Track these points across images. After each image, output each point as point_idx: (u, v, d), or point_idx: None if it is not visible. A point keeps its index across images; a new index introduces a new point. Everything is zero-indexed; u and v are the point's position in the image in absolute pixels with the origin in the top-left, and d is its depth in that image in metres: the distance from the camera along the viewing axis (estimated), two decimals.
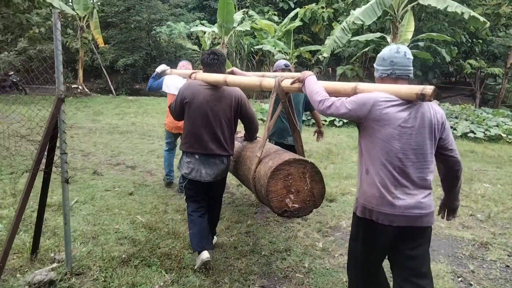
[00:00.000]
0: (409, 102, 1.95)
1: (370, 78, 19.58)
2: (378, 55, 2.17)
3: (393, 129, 1.93)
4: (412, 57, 2.11)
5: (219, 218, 3.57)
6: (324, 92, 2.19)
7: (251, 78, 3.15)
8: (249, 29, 15.69)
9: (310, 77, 2.36)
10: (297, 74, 2.56)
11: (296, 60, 16.42)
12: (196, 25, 17.93)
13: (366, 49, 14.90)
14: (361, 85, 2.14)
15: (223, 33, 14.24)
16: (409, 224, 1.99)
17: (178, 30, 18.02)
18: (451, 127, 9.85)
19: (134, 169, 5.98)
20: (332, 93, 2.20)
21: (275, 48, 14.37)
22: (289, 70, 4.03)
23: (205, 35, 19.11)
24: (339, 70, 17.13)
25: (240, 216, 4.20)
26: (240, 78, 3.13)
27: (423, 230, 2.06)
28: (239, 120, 3.26)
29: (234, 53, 18.26)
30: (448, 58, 14.59)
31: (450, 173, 2.17)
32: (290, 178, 2.58)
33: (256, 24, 15.76)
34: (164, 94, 5.07)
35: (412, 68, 2.09)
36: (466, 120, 10.24)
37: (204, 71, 3.25)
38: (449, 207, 2.35)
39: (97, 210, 4.23)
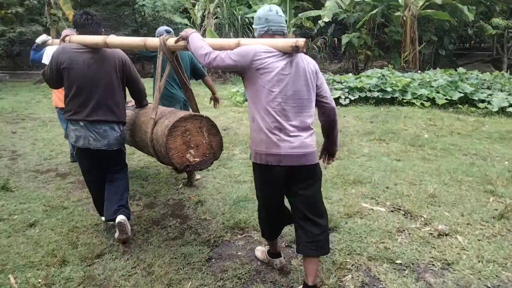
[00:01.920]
0: (285, 53, 2.14)
1: (381, 48, 17.65)
2: (254, 16, 2.32)
3: (273, 76, 2.10)
4: (283, 15, 2.29)
5: (127, 189, 3.13)
6: (208, 46, 2.27)
7: (134, 38, 2.96)
8: None
9: (193, 34, 2.42)
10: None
11: (295, 29, 14.46)
12: None
13: (373, 12, 12.89)
14: (244, 40, 2.27)
15: (208, 1, 12.33)
16: (295, 163, 2.15)
17: (162, 2, 16.08)
18: (483, 100, 8.03)
19: (64, 178, 4.38)
20: (218, 49, 2.26)
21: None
22: (172, 36, 3.59)
23: (195, 7, 17.28)
24: (345, 39, 15.14)
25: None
26: (122, 38, 2.96)
27: (309, 168, 2.22)
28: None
29: (226, 26, 16.36)
30: (470, 17, 12.53)
31: (327, 118, 2.36)
32: (188, 133, 2.66)
33: None
34: None
35: (285, 24, 2.30)
36: (501, 91, 8.35)
37: (78, 34, 2.96)
38: (328, 152, 2.57)
39: None
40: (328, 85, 8.81)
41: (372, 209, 3.42)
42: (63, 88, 2.91)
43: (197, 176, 4.24)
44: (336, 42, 19.29)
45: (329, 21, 12.60)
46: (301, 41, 2.03)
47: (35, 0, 19.31)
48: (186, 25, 17.09)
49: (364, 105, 8.35)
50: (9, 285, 2.40)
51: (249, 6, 15.35)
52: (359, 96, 8.60)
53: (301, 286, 2.35)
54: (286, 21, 13.24)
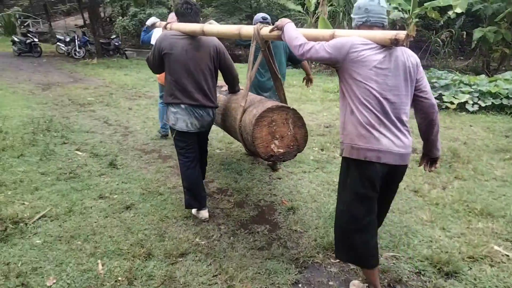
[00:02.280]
0: (384, 46, 2.02)
1: None
2: (354, 4, 2.21)
3: (369, 70, 1.99)
4: (386, 6, 2.16)
5: (207, 164, 3.67)
6: (303, 37, 2.22)
7: (229, 26, 3.10)
8: None
9: (288, 24, 2.38)
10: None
11: (417, 21, 13.03)
12: None
13: None
14: (339, 31, 2.17)
15: None
16: (394, 161, 2.03)
17: None
18: None
19: (165, 161, 4.48)
20: (312, 40, 2.21)
21: (389, 4, 11.30)
22: (268, 23, 3.78)
23: None
24: (477, 33, 13.13)
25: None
26: (218, 26, 3.08)
27: (403, 169, 2.15)
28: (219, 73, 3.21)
29: (341, 14, 15.56)
30: None
31: (426, 115, 2.18)
32: (274, 124, 2.67)
33: None
34: None
35: (386, 15, 2.16)
36: None
37: (179, 21, 3.15)
38: (429, 157, 2.36)
39: (56, 236, 2.80)
40: (454, 87, 7.75)
41: (508, 256, 2.72)
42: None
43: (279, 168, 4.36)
44: (464, 36, 17.01)
45: (461, 12, 11.04)
46: (401, 33, 1.91)
47: None
48: (300, 11, 16.74)
49: (498, 114, 7.05)
50: (96, 271, 2.42)
51: None
52: (492, 103, 7.29)
53: None
54: (409, 11, 12.00)
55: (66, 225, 2.97)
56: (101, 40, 17.54)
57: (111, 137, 5.36)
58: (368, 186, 2.07)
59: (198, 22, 3.10)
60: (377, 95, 2.00)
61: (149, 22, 4.09)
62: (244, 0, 20.60)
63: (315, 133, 5.79)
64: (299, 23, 16.79)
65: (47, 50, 18.63)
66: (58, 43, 17.30)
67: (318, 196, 3.67)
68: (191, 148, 3.13)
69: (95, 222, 3.03)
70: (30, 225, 2.92)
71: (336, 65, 2.09)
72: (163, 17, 23.14)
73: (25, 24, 30.23)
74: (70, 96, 8.16)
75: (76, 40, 16.10)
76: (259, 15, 4.13)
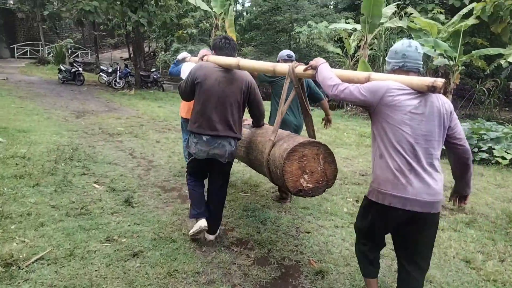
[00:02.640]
0: (419, 92, 2.03)
1: None
2: (390, 49, 2.26)
3: (404, 115, 2.01)
4: (422, 52, 2.18)
5: (223, 203, 3.43)
6: (337, 78, 2.27)
7: (265, 63, 3.16)
8: (404, 27, 12.59)
9: (323, 64, 2.44)
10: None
11: (463, 69, 12.48)
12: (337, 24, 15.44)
13: None
14: (375, 75, 2.20)
15: (366, 30, 11.58)
16: (421, 209, 2.02)
17: (318, 30, 15.97)
18: None
19: (184, 202, 4.13)
20: (346, 81, 2.24)
21: (434, 50, 10.90)
22: (292, 61, 3.67)
23: (351, 37, 16.71)
24: None
25: None
26: (254, 62, 3.24)
27: (432, 216, 2.09)
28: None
29: (381, 58, 15.28)
30: None
31: (460, 161, 2.20)
32: (304, 159, 2.65)
33: (413, 22, 12.50)
34: None
35: (422, 62, 2.18)
36: None
37: (215, 54, 3.25)
38: (460, 194, 2.39)
39: (48, 285, 2.46)
40: (506, 140, 7.07)
41: None
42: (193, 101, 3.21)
43: (288, 203, 4.30)
44: (511, 86, 16.18)
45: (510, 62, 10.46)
46: (439, 81, 1.95)
47: (208, 23, 21.55)
48: (338, 54, 16.67)
49: None
50: None
51: (409, 38, 13.99)
52: None
53: None
54: (454, 58, 11.53)
55: (63, 272, 2.63)
56: (141, 73, 18.08)
57: (133, 171, 5.12)
58: (388, 227, 2.21)
59: (234, 56, 3.23)
60: (411, 140, 2.02)
61: (180, 56, 4.28)
62: (284, 41, 20.88)
63: (350, 181, 5.31)
64: (337, 65, 16.64)
65: (90, 79, 19.43)
66: (100, 73, 17.99)
67: (352, 258, 3.16)
68: (201, 173, 3.32)
69: (96, 271, 2.68)
70: (23, 268, 2.60)
71: (370, 108, 2.11)
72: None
73: (74, 55, 32.18)
74: (101, 125, 8.15)
75: (118, 71, 16.65)
76: (284, 52, 4.24)
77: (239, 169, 5.46)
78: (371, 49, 15.91)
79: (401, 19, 13.63)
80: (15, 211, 3.48)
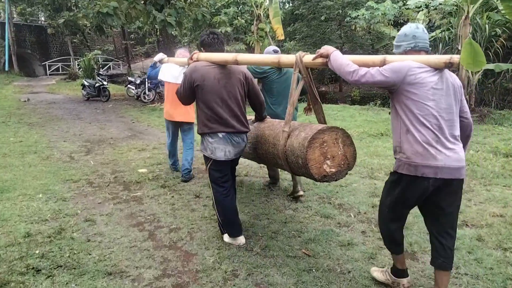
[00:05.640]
0: (436, 69, 2.19)
1: None
2: (399, 33, 2.40)
3: (427, 91, 2.15)
4: (427, 33, 2.33)
5: (236, 192, 3.42)
6: (353, 63, 2.32)
7: (267, 55, 3.26)
8: None
9: (335, 52, 2.46)
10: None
11: None
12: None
13: None
14: (390, 57, 2.31)
15: (468, 1, 8.41)
16: (451, 176, 2.16)
17: (382, 12, 12.87)
18: None
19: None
20: (360, 66, 2.32)
21: None
22: None
23: (418, 15, 13.60)
24: None
25: None
26: (253, 56, 3.40)
27: (460, 182, 2.24)
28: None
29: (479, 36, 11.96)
30: None
31: (464, 133, 2.36)
32: (325, 145, 2.69)
33: None
34: None
35: (429, 41, 2.35)
36: None
37: (205, 52, 3.21)
38: None
39: None
40: None
41: None
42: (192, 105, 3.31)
43: (301, 192, 4.13)
44: None
45: None
46: (455, 57, 2.09)
47: (243, 19, 19.09)
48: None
49: None
50: None
51: None
52: None
53: None
54: None
55: None
56: None
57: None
58: (417, 197, 2.27)
59: (223, 51, 3.21)
60: (435, 113, 2.15)
61: (157, 58, 4.43)
62: (332, 30, 17.89)
63: None
64: None
65: (118, 92, 17.44)
66: (129, 85, 15.85)
67: None
68: (227, 176, 3.17)
69: None
70: None
71: (393, 87, 2.22)
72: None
73: (106, 67, 30.80)
74: (116, 165, 5.68)
75: (147, 82, 14.40)
76: (270, 48, 4.18)
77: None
78: (447, 29, 12.74)
79: None
80: None
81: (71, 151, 6.59)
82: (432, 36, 13.16)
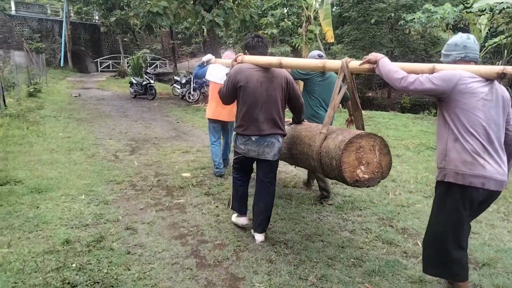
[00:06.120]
0: (487, 80, 2.17)
1: None
2: (449, 42, 2.41)
3: (477, 101, 2.14)
4: (478, 44, 2.33)
5: (272, 205, 3.33)
6: (402, 70, 2.32)
7: (312, 60, 3.30)
8: None
9: (384, 58, 2.47)
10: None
11: None
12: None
13: None
14: (440, 65, 2.31)
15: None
16: (496, 188, 2.16)
17: (442, 15, 12.01)
18: None
19: None
20: (409, 73, 2.31)
21: None
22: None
23: (480, 20, 12.61)
24: None
25: None
26: (298, 60, 3.41)
27: (498, 194, 2.25)
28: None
29: None
30: None
31: (509, 146, 2.32)
32: (361, 150, 2.69)
33: None
34: None
35: (479, 53, 2.34)
36: None
37: (249, 54, 3.27)
38: None
39: None
40: None
41: None
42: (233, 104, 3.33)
43: (330, 202, 4.16)
44: None
45: None
46: (509, 68, 2.05)
47: (290, 21, 18.76)
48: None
49: None
50: None
51: None
52: None
53: None
54: None
55: None
56: None
57: None
58: (468, 208, 2.22)
59: (267, 54, 3.28)
60: (484, 124, 2.15)
61: (205, 58, 4.54)
62: (383, 34, 17.07)
63: None
64: None
65: (164, 91, 17.65)
66: (174, 84, 15.97)
67: None
68: (246, 170, 3.40)
69: None
70: None
71: (442, 95, 2.21)
72: (285, 56, 20.98)
73: (153, 66, 31.54)
74: (160, 167, 5.51)
75: (192, 82, 14.39)
76: (314, 52, 4.19)
77: None
78: (510, 35, 11.73)
79: None
80: None
81: (116, 150, 6.53)
82: (495, 42, 12.22)
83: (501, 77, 2.10)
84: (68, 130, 8.16)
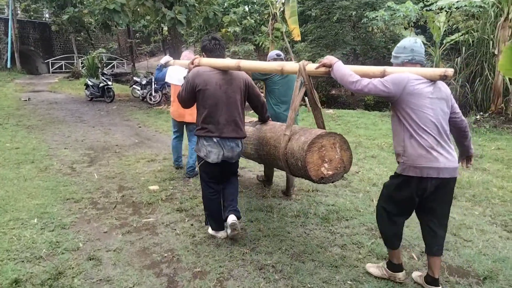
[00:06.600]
0: (431, 80, 2.38)
1: None
2: (398, 45, 2.59)
3: (425, 100, 2.35)
4: (424, 47, 2.54)
5: (238, 192, 3.47)
6: (355, 74, 2.48)
7: (270, 63, 3.34)
8: None
9: (338, 62, 2.61)
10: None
11: None
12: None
13: None
14: (390, 68, 2.47)
15: (509, 2, 7.71)
16: (450, 174, 2.39)
17: (404, 13, 12.15)
18: None
19: None
20: (361, 76, 2.47)
21: None
22: (281, 60, 4.16)
23: (439, 18, 12.90)
24: None
25: None
26: (256, 63, 3.46)
27: (454, 180, 2.47)
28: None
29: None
30: None
31: (460, 130, 2.62)
32: (323, 149, 2.85)
33: None
34: None
35: (424, 55, 2.55)
36: None
37: (206, 57, 3.27)
38: (466, 156, 2.81)
39: None
40: None
41: None
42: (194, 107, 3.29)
43: (293, 196, 4.40)
44: None
45: None
46: (450, 71, 2.26)
47: (252, 19, 18.46)
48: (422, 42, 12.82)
49: None
50: None
51: None
52: None
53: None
54: None
55: None
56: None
57: None
58: (420, 195, 2.45)
59: (224, 56, 3.30)
60: (434, 120, 2.36)
61: (163, 60, 4.60)
62: (345, 32, 17.16)
63: None
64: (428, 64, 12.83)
65: (123, 93, 16.76)
66: (134, 86, 15.14)
67: None
68: (215, 179, 3.31)
69: None
70: None
71: (393, 97, 2.38)
72: (249, 54, 20.64)
73: (110, 66, 30.12)
74: (124, 179, 5.00)
75: (153, 83, 13.71)
76: (273, 52, 4.26)
77: None
78: (469, 32, 12.18)
79: None
80: None
81: (73, 161, 5.91)
82: (452, 40, 12.53)
83: (443, 78, 2.33)
84: (16, 139, 7.37)
